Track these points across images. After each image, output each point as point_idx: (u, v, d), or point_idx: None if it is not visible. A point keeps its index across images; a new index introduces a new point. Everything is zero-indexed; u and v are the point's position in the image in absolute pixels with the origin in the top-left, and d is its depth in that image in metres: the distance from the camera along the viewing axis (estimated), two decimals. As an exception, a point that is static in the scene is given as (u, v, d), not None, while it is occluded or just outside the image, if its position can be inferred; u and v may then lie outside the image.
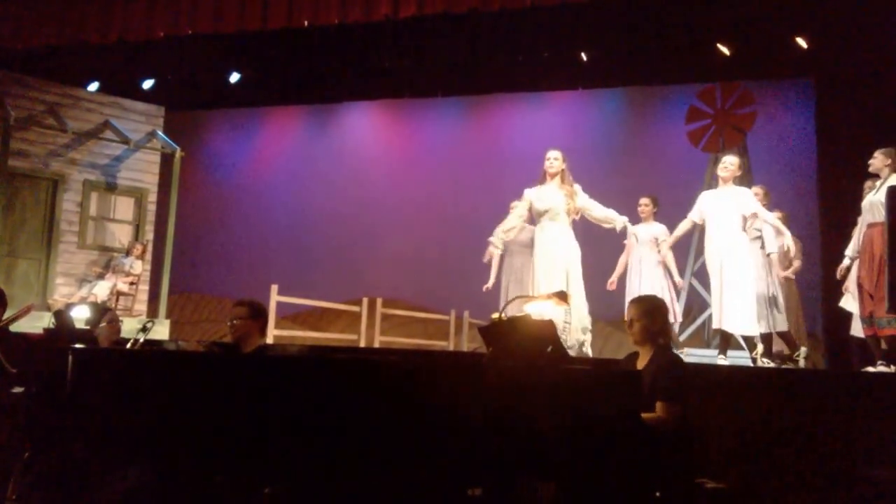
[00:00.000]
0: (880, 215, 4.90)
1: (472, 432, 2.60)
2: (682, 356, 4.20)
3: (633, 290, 5.77)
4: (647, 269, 5.89)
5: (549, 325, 3.07)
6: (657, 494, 2.80)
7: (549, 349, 2.99)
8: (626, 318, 3.29)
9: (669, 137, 8.07)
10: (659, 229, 5.96)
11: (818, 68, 7.17)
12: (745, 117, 7.00)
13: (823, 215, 6.88)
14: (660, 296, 5.08)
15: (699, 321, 7.05)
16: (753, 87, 7.20)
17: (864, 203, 5.07)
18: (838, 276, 5.31)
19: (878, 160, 5.02)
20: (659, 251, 5.88)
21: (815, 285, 6.93)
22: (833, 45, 6.78)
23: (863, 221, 5.08)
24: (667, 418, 3.01)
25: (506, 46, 7.60)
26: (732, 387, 4.33)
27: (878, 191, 4.98)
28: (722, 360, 5.33)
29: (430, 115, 9.61)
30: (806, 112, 7.62)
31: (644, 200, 6.00)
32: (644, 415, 2.95)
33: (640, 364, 3.22)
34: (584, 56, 7.63)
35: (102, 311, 5.00)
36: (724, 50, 7.13)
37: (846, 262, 5.21)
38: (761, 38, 7.01)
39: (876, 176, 5.05)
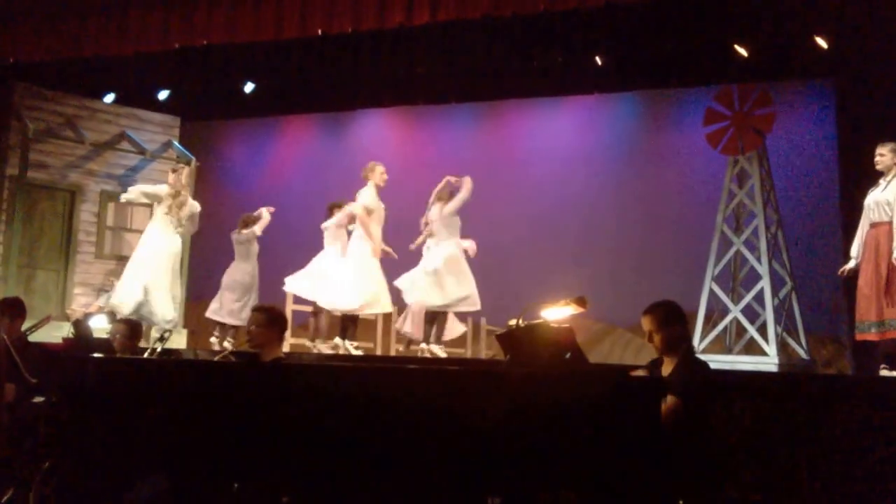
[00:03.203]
0: (885, 214, 4.82)
1: (490, 441, 2.57)
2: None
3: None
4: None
5: (568, 332, 3.02)
6: (680, 503, 2.75)
7: (568, 356, 2.95)
8: (644, 331, 3.22)
9: (687, 140, 7.99)
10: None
11: (838, 68, 7.07)
12: (763, 118, 6.91)
13: (845, 216, 6.77)
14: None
15: (721, 326, 6.95)
16: (772, 89, 7.11)
17: (868, 201, 4.97)
18: (841, 276, 5.24)
19: (887, 157, 4.91)
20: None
21: (838, 288, 6.82)
22: (854, 45, 6.69)
23: (865, 221, 5.00)
24: (673, 409, 2.90)
25: (519, 52, 7.58)
26: (756, 393, 4.26)
27: (885, 188, 4.88)
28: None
29: (444, 121, 9.60)
30: (826, 113, 7.51)
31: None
32: None
33: (666, 371, 3.16)
34: (598, 60, 7.59)
35: (125, 322, 5.03)
36: (742, 51, 7.06)
37: (852, 262, 5.11)
38: (779, 39, 6.92)
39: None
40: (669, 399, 2.91)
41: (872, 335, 4.85)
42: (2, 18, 7.23)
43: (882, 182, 4.92)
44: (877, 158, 4.95)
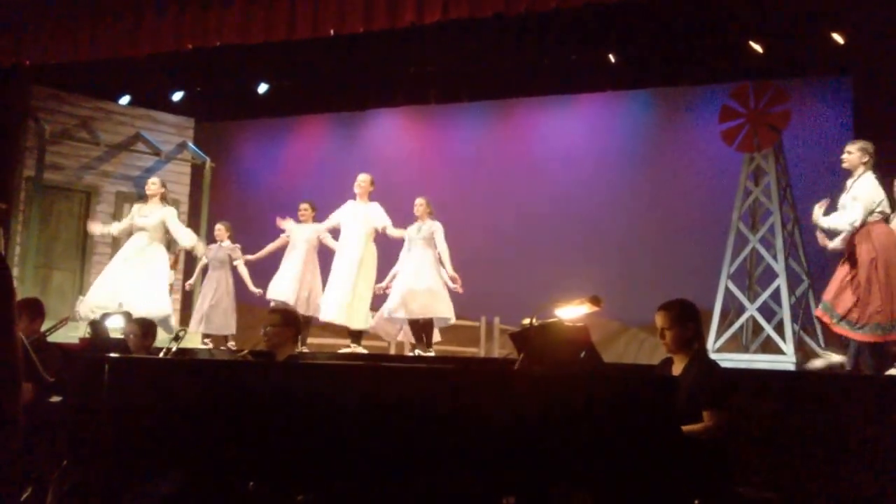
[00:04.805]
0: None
1: (504, 440, 2.57)
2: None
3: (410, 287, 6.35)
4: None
5: (583, 331, 3.01)
6: (696, 502, 2.72)
7: (583, 355, 2.93)
8: (657, 327, 3.20)
9: (702, 138, 7.94)
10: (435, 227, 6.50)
11: (855, 64, 7.00)
12: (779, 116, 6.85)
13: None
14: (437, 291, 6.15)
15: (737, 325, 6.89)
16: (788, 86, 7.05)
17: (840, 202, 4.89)
18: None
19: (854, 156, 4.81)
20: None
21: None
22: (871, 41, 6.61)
23: None
24: (715, 426, 2.92)
25: (532, 49, 7.55)
26: (772, 392, 4.23)
27: (850, 189, 4.81)
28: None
29: (456, 120, 9.59)
30: (843, 110, 7.43)
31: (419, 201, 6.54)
32: (690, 426, 2.87)
33: (676, 371, 3.14)
34: (612, 57, 7.55)
35: (138, 321, 5.06)
36: (757, 48, 7.00)
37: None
38: (795, 35, 6.86)
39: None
40: (708, 414, 2.92)
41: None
42: (18, 22, 7.30)
43: (848, 182, 4.86)
44: (843, 156, 4.89)
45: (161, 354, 4.45)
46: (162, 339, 5.24)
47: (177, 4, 6.86)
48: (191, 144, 9.20)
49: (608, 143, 8.73)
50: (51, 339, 4.87)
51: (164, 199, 7.11)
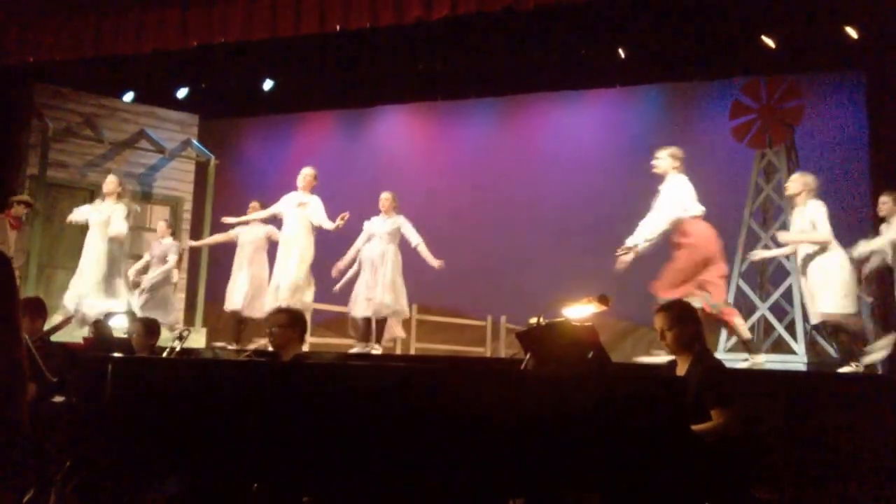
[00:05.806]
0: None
1: (511, 441, 2.54)
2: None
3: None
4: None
5: (590, 330, 2.97)
6: (705, 504, 2.68)
7: (591, 355, 2.89)
8: (656, 329, 3.18)
9: (713, 134, 7.85)
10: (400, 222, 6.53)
11: (869, 59, 6.90)
12: (792, 111, 6.77)
13: (876, 210, 6.60)
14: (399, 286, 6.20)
15: (748, 324, 6.80)
16: (801, 81, 6.96)
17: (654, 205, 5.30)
18: None
19: (664, 161, 5.33)
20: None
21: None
22: (885, 35, 6.52)
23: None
24: (726, 423, 2.89)
25: (541, 45, 7.48)
26: (785, 393, 4.18)
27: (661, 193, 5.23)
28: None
29: (464, 117, 9.54)
30: (857, 105, 7.33)
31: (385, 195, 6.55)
32: (699, 426, 2.83)
33: (680, 372, 3.12)
34: (622, 53, 7.47)
35: (141, 321, 5.04)
36: (769, 42, 6.91)
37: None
38: (808, 29, 6.77)
39: None
40: (717, 413, 2.89)
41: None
42: (21, 18, 7.28)
43: (660, 187, 5.27)
44: (654, 162, 5.35)
45: (164, 354, 4.42)
46: (165, 338, 5.20)
47: (181, 1, 6.83)
48: (195, 142, 9.16)
49: (617, 140, 8.65)
50: (54, 338, 4.84)
51: (120, 197, 7.07)
